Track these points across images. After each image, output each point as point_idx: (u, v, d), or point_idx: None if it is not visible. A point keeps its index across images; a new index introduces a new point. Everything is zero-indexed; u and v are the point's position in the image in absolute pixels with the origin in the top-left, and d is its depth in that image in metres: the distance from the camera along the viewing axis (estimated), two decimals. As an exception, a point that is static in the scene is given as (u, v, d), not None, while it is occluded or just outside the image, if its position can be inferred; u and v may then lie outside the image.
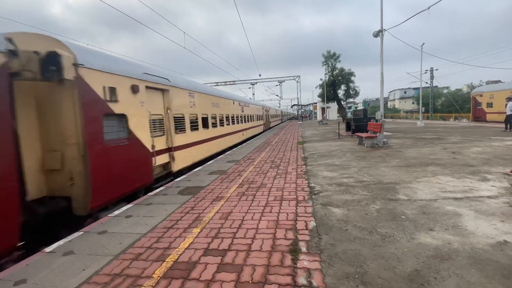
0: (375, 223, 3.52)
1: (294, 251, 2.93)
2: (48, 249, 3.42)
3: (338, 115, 43.67)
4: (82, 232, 3.89)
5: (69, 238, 3.71)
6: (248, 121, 18.78)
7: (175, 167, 7.48)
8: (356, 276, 2.43)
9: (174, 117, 7.52)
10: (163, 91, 7.17)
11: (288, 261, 2.75)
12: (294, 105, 75.82)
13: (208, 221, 3.96)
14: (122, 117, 5.41)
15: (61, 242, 3.59)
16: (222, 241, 3.30)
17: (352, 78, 34.85)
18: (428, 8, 10.63)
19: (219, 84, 44.74)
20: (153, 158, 6.36)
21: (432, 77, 37.44)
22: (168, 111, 7.26)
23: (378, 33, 12.02)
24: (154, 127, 6.56)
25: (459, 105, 39.14)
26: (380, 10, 11.71)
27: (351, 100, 40.54)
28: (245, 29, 20.64)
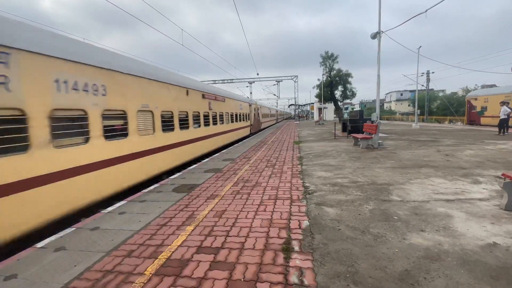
0: (368, 223, 3.55)
1: (287, 249, 2.95)
2: (39, 244, 3.39)
3: (334, 115, 43.87)
4: (74, 228, 3.86)
5: (61, 234, 3.69)
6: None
7: None
8: (347, 275, 2.45)
9: None
10: None
11: (280, 259, 2.76)
12: (291, 104, 76.03)
13: (202, 219, 3.96)
14: None
15: (52, 238, 3.56)
16: (216, 239, 3.31)
17: (350, 79, 35.10)
18: (426, 11, 10.71)
19: (217, 82, 44.61)
20: None
21: (428, 80, 37.78)
22: None
23: (376, 35, 12.08)
24: None
25: (454, 108, 39.53)
26: (378, 12, 11.77)
27: (348, 101, 40.81)
28: (243, 28, 20.54)
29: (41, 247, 3.31)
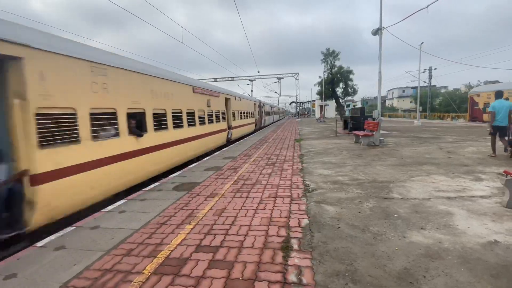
0: (368, 221, 3.53)
1: (286, 248, 2.94)
2: (39, 243, 3.41)
3: (336, 113, 43.72)
4: (74, 227, 3.88)
5: (61, 233, 3.70)
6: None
7: None
8: (346, 274, 2.44)
9: None
10: None
11: (279, 258, 2.75)
12: (292, 102, 75.84)
13: (202, 218, 3.96)
14: None
15: (52, 237, 3.57)
16: (215, 237, 3.30)
17: (351, 76, 34.93)
18: (427, 6, 10.61)
19: (218, 80, 44.50)
20: None
21: (430, 77, 37.55)
22: None
23: (377, 31, 11.99)
24: None
25: (456, 105, 39.30)
26: (379, 8, 11.68)
27: (349, 98, 40.65)
28: (243, 25, 20.44)
29: (41, 246, 3.32)
